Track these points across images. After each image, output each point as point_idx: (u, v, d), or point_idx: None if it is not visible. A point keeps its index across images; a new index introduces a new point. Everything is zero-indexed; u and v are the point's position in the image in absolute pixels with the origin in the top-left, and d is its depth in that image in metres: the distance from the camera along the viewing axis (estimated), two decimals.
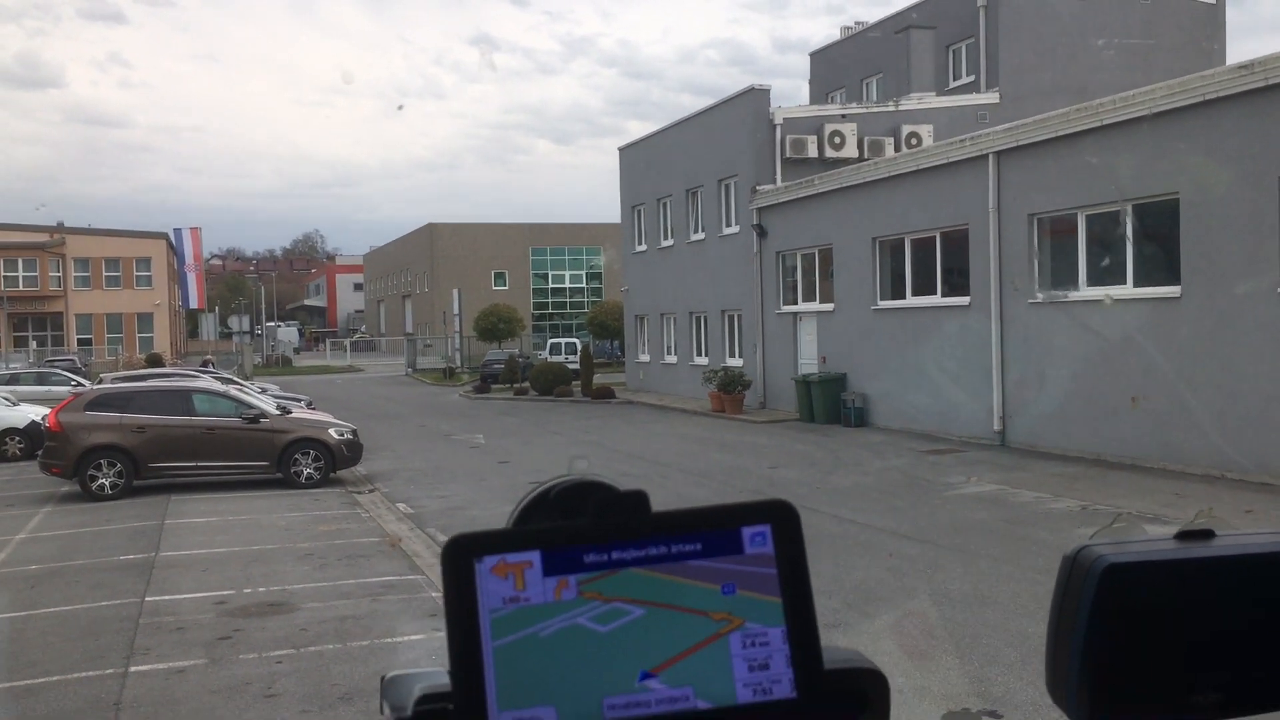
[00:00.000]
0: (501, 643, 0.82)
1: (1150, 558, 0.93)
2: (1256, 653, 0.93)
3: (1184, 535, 0.96)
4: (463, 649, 0.82)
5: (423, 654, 8.45)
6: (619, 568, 0.84)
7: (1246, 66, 14.86)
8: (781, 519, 0.88)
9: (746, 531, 0.87)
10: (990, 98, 30.26)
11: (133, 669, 8.21)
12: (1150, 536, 0.95)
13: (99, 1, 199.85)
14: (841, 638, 8.38)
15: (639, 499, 0.87)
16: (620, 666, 0.83)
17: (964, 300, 20.79)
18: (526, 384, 38.68)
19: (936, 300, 21.94)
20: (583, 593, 0.84)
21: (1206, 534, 0.96)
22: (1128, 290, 17.18)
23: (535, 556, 0.84)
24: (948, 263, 21.64)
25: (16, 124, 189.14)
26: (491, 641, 0.82)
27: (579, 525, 0.85)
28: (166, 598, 10.44)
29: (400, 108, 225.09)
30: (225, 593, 10.54)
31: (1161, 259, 16.74)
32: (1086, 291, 18.03)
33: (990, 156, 19.59)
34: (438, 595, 10.23)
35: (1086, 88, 26.98)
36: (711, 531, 0.86)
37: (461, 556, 0.83)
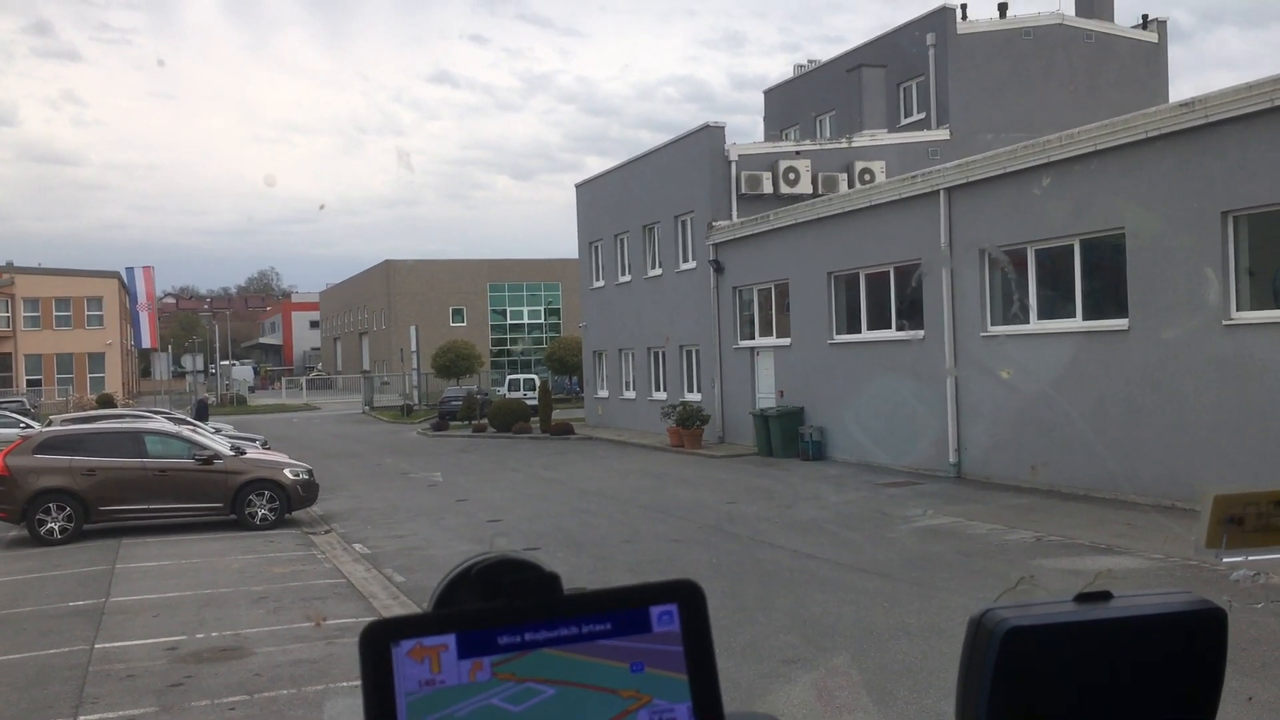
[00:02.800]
0: None
1: (1050, 620, 0.98)
2: (1153, 710, 0.98)
3: (1083, 597, 1.01)
4: None
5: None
6: (532, 648, 0.87)
7: (1187, 104, 15.24)
8: (687, 598, 0.91)
9: (654, 610, 0.90)
10: (941, 134, 30.77)
11: (81, 718, 8.05)
12: (1051, 599, 1.00)
13: (53, 39, 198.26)
14: (800, 673, 8.40)
15: (552, 580, 0.91)
16: None
17: (918, 334, 21.03)
18: (485, 421, 38.52)
19: (891, 334, 22.18)
20: (497, 674, 0.86)
21: (1104, 595, 1.01)
22: (1077, 323, 17.47)
23: (451, 640, 0.87)
24: (902, 297, 21.90)
25: None
26: None
27: (493, 608, 0.88)
28: (117, 644, 10.26)
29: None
30: (177, 638, 10.37)
31: (1109, 293, 17.06)
32: (1037, 325, 18.31)
33: (941, 193, 19.89)
34: None
35: (1034, 124, 27.52)
36: (620, 611, 0.90)
37: (379, 641, 0.86)
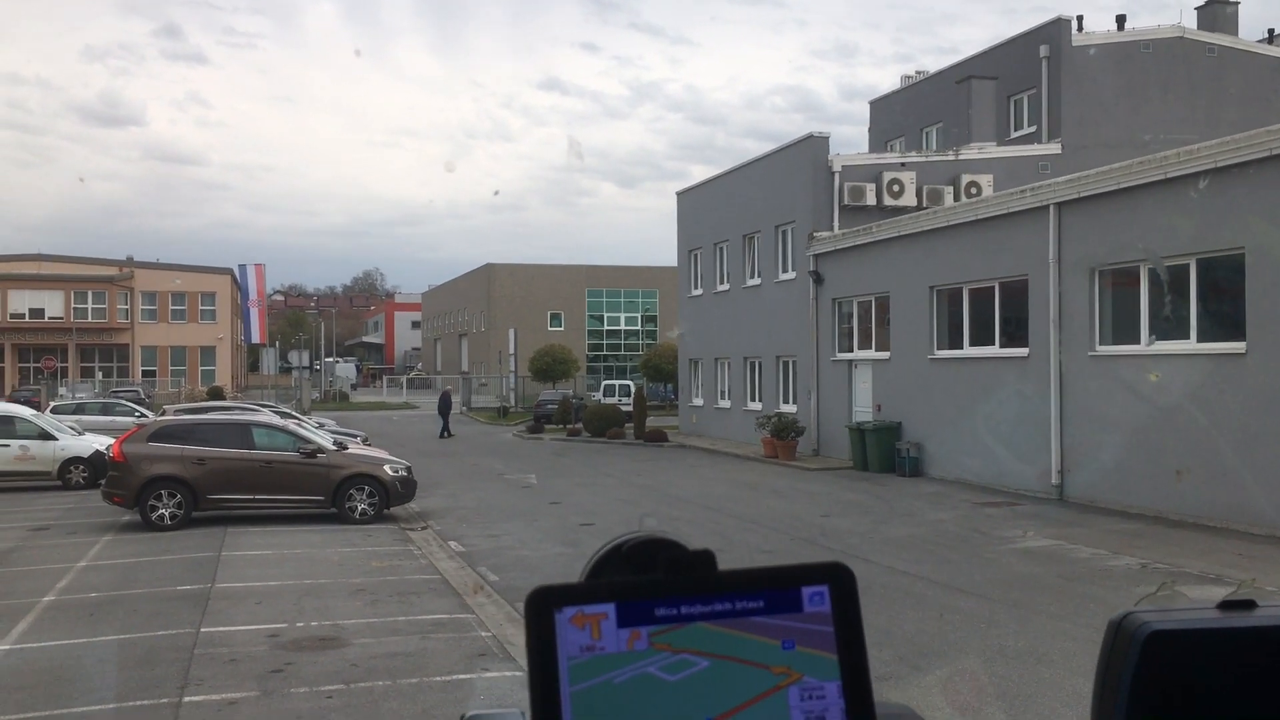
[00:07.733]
0: (578, 688, 0.88)
1: (1193, 626, 0.96)
2: None
3: (1226, 605, 0.98)
4: (543, 693, 0.87)
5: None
6: (687, 621, 0.90)
7: None
8: (839, 580, 0.93)
9: (806, 591, 0.92)
10: (1052, 148, 30.08)
11: (186, 699, 8.31)
12: (1193, 605, 0.98)
13: (182, 42, 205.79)
14: (892, 691, 8.27)
15: (707, 558, 0.94)
16: (687, 714, 0.88)
17: (1022, 351, 20.58)
18: (579, 425, 38.81)
19: (994, 351, 21.74)
20: (654, 644, 0.89)
21: (1249, 604, 0.98)
22: (1191, 345, 16.91)
23: (610, 609, 0.90)
24: (1006, 313, 21.47)
25: (96, 160, 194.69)
26: (569, 686, 0.87)
27: (652, 581, 0.91)
28: (221, 629, 10.58)
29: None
30: (278, 625, 10.65)
31: (1226, 314, 16.48)
32: (1149, 345, 17.78)
33: (1051, 207, 19.45)
34: (487, 635, 10.26)
35: (1150, 140, 26.75)
36: (773, 590, 0.92)
37: (543, 606, 0.89)
